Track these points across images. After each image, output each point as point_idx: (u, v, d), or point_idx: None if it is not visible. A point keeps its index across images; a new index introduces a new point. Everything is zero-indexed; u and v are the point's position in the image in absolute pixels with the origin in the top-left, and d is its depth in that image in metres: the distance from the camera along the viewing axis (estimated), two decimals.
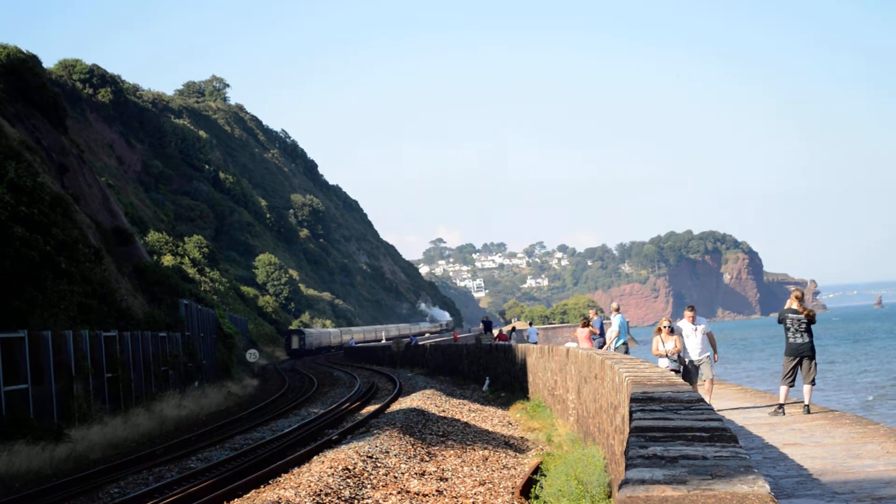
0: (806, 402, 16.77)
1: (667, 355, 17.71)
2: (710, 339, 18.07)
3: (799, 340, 16.51)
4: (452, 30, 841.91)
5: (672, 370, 16.99)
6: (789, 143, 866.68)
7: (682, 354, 17.86)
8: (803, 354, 16.51)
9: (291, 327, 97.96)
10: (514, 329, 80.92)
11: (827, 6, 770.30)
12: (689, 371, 17.81)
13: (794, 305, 16.76)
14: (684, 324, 18.17)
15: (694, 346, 17.93)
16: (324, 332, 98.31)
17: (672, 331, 18.01)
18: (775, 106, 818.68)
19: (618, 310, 23.73)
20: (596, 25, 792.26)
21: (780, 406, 16.83)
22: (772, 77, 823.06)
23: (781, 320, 16.72)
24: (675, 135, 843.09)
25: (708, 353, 17.93)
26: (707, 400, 16.87)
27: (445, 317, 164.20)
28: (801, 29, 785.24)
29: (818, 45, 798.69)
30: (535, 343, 35.94)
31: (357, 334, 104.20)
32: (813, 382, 16.67)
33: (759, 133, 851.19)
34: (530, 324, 66.48)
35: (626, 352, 22.33)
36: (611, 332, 22.93)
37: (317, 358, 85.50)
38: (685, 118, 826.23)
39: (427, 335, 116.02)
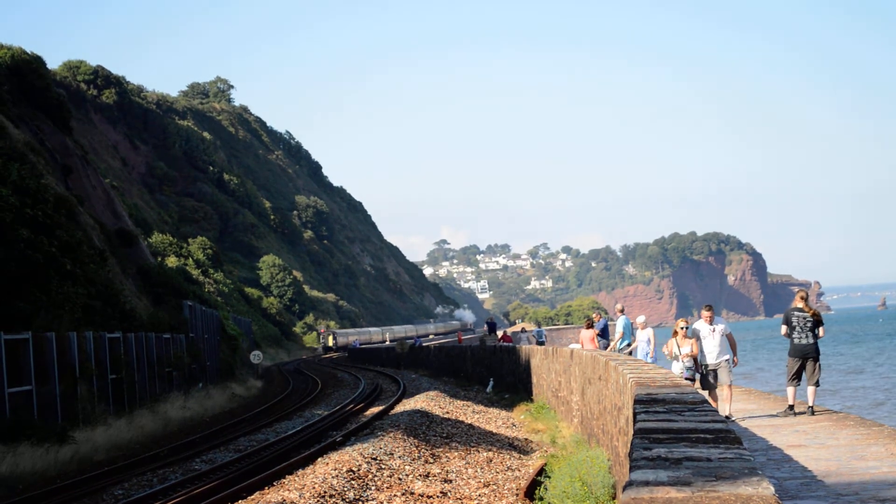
0: (810, 404, 16.71)
1: (681, 360, 16.83)
2: (731, 341, 17.00)
3: (804, 341, 16.47)
4: (457, 32, 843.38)
5: (687, 378, 16.28)
6: (794, 145, 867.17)
7: (698, 359, 16.92)
8: (808, 355, 16.46)
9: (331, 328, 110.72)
10: (523, 330, 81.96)
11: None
12: (706, 376, 16.82)
13: (800, 305, 16.73)
14: (701, 325, 17.11)
15: (712, 348, 16.83)
16: (363, 330, 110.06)
17: (687, 334, 17.08)
18: (780, 107, 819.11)
19: (622, 311, 23.70)
20: (600, 28, 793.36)
21: (791, 407, 16.75)
22: (776, 79, 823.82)
23: (787, 320, 16.65)
24: (679, 135, 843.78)
25: (727, 357, 16.84)
26: (727, 409, 16.36)
27: (471, 317, 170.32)
28: (798, 37, 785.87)
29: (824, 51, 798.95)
30: (543, 343, 35.93)
31: (398, 333, 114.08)
32: (817, 384, 16.63)
33: (764, 134, 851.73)
34: (538, 325, 66.74)
35: (631, 353, 22.31)
36: (625, 334, 22.88)
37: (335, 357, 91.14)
38: (689, 119, 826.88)
39: (431, 336, 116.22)
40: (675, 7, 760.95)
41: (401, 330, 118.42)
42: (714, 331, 16.87)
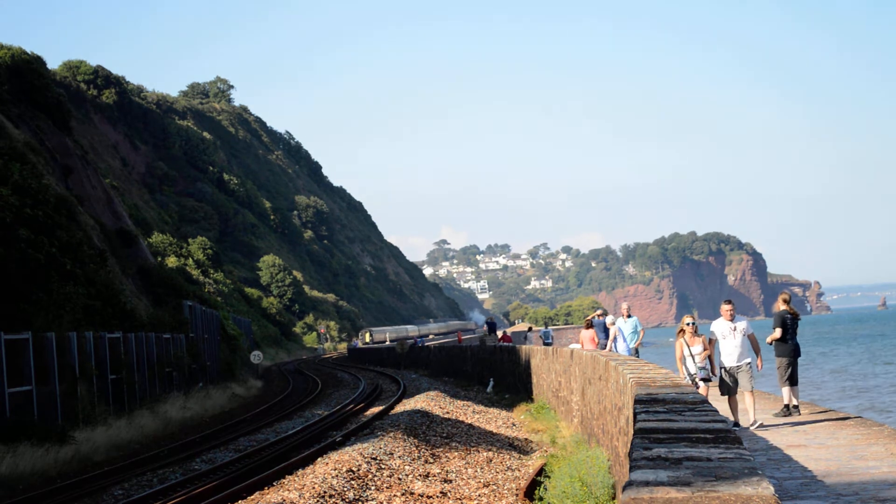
0: (796, 403, 16.75)
1: (693, 361, 15.22)
2: (753, 342, 15.55)
3: (795, 341, 16.52)
4: (458, 33, 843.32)
5: (701, 378, 15.11)
6: (793, 144, 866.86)
7: (716, 360, 15.40)
8: (798, 355, 16.53)
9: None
10: (530, 329, 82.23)
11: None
12: (724, 380, 15.38)
13: (786, 308, 16.72)
14: (720, 322, 15.54)
15: (731, 349, 15.32)
16: (400, 328, 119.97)
17: (696, 330, 15.49)
18: (780, 108, 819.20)
19: (628, 312, 23.64)
20: (598, 30, 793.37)
21: (796, 406, 16.68)
22: (775, 81, 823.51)
23: (783, 322, 16.53)
24: (678, 135, 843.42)
25: (748, 360, 15.34)
26: (750, 415, 15.37)
27: (481, 319, 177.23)
28: (822, 29, 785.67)
29: (827, 45, 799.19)
30: (550, 344, 35.91)
31: (432, 329, 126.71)
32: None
33: (763, 134, 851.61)
34: (546, 325, 67.02)
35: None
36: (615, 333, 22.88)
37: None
38: (688, 118, 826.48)
39: (431, 336, 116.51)
40: (687, 9, 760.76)
41: (434, 327, 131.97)
42: (735, 329, 15.37)
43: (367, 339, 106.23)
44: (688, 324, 15.40)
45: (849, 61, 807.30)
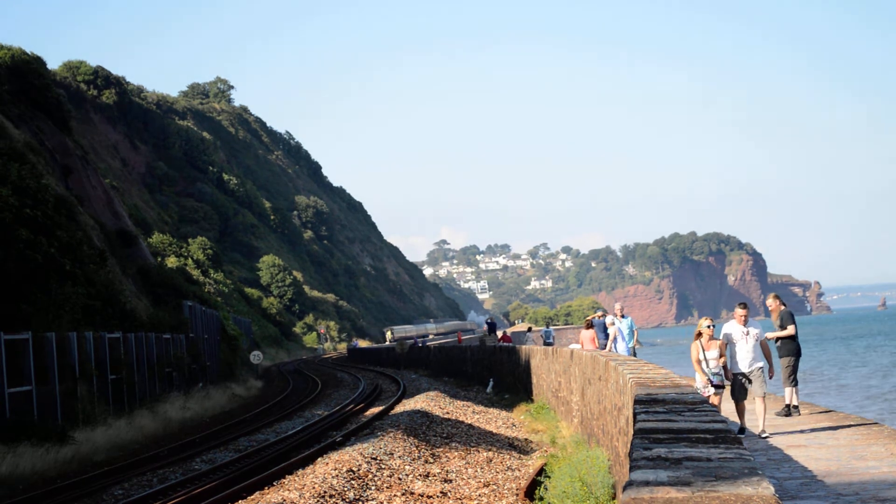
0: (797, 403, 16.74)
1: (707, 365, 14.34)
2: (764, 348, 15.00)
3: (797, 341, 16.50)
4: (456, 31, 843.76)
5: (715, 385, 14.30)
6: (793, 145, 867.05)
7: (728, 365, 14.64)
8: (799, 355, 16.54)
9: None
10: (530, 329, 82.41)
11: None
12: (735, 386, 14.74)
13: (784, 307, 16.75)
14: (733, 326, 15.00)
15: (745, 354, 14.75)
16: (419, 326, 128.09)
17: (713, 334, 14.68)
18: (782, 108, 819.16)
19: (622, 313, 23.66)
20: (601, 29, 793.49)
21: (796, 407, 16.67)
22: (778, 80, 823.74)
23: (793, 320, 16.55)
24: (679, 136, 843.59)
25: (760, 364, 14.81)
26: (760, 424, 14.66)
27: (481, 321, 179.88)
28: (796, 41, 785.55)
29: (821, 54, 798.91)
30: (551, 344, 35.91)
31: (449, 327, 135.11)
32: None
33: (763, 134, 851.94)
34: (547, 324, 67.07)
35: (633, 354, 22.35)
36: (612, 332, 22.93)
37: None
38: (690, 119, 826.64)
39: (430, 336, 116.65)
40: (677, 6, 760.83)
41: (451, 325, 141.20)
42: (748, 334, 14.83)
43: (389, 336, 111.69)
44: (707, 326, 14.53)
45: (849, 62, 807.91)
